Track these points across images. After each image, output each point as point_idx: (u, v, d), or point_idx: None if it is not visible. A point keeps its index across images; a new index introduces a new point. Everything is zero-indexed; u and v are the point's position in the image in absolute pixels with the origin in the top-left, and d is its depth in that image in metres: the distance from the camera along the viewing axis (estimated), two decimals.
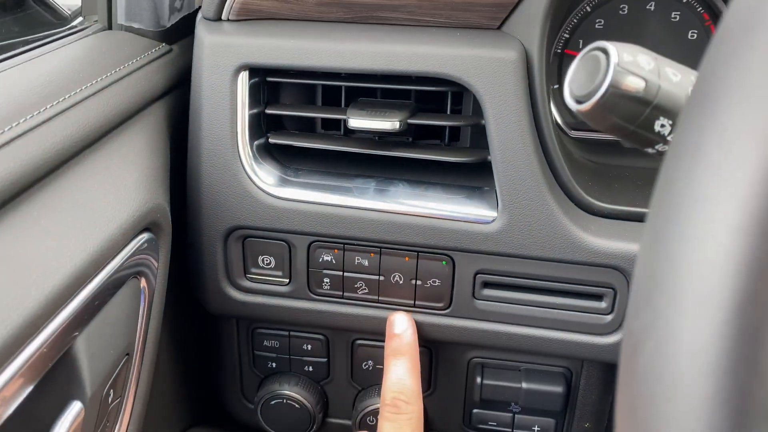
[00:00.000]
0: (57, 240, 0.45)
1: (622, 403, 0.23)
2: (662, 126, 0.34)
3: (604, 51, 0.34)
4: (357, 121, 0.59)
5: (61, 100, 0.52)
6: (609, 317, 0.59)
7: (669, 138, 0.35)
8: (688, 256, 0.20)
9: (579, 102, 0.35)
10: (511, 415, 0.69)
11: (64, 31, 0.69)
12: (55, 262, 0.44)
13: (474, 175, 0.63)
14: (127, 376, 0.52)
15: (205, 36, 0.61)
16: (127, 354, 0.51)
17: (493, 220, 0.58)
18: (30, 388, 0.41)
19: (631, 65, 0.33)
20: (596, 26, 0.72)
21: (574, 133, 0.74)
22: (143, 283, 0.54)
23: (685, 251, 0.20)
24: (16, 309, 0.40)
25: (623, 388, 0.23)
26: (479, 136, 0.65)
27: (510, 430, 0.69)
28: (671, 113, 0.34)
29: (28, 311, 0.41)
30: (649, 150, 0.37)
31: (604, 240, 0.57)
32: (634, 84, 0.33)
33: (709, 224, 0.20)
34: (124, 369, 0.51)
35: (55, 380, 0.43)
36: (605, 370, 0.66)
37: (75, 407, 0.44)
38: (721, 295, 0.19)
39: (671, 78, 0.34)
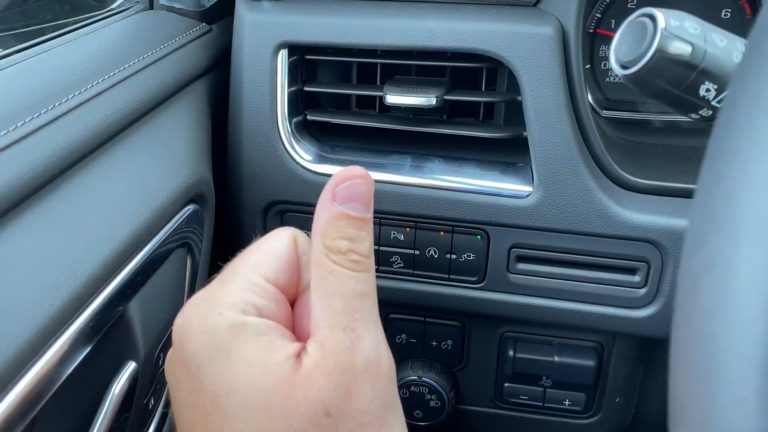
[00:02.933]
0: (112, 207, 0.47)
1: (678, 340, 0.24)
2: (707, 90, 0.35)
3: (651, 17, 0.35)
4: (394, 98, 0.60)
5: (109, 75, 0.54)
6: (642, 291, 0.60)
7: (714, 103, 0.36)
8: (747, 195, 0.21)
9: (625, 67, 0.36)
10: (542, 389, 0.70)
11: (105, 12, 0.71)
12: (111, 228, 0.46)
13: (508, 152, 0.64)
14: None
15: (245, 14, 0.62)
16: None
17: (528, 195, 0.59)
18: (90, 347, 0.42)
19: (678, 30, 0.34)
20: (629, 5, 0.72)
21: (605, 113, 0.74)
22: (189, 253, 0.56)
23: (745, 189, 0.21)
24: (76, 273, 0.42)
25: (680, 325, 0.24)
26: (512, 115, 0.66)
27: (541, 404, 0.70)
28: (717, 78, 0.35)
29: (87, 275, 0.42)
30: (692, 115, 0.37)
31: (638, 214, 0.58)
32: (680, 48, 0.34)
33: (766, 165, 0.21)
34: None
35: (111, 341, 0.45)
36: (637, 345, 0.67)
37: (130, 367, 0.46)
38: None
39: (717, 43, 0.34)
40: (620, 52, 0.36)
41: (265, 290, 0.32)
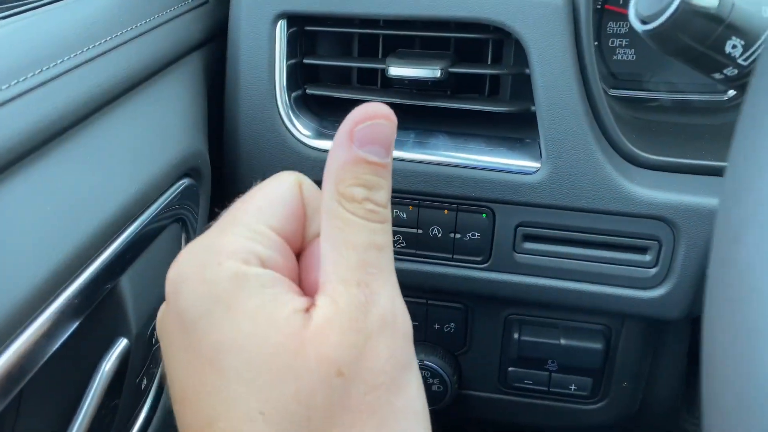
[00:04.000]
0: (102, 177, 0.45)
1: (715, 295, 0.22)
2: (734, 47, 0.33)
3: None
4: (397, 69, 0.58)
5: (101, 42, 0.51)
6: (653, 270, 0.58)
7: (740, 60, 0.33)
8: None
9: (645, 22, 0.34)
10: (547, 373, 0.68)
11: None
12: (101, 198, 0.44)
13: (515, 128, 0.62)
14: None
15: None
16: None
17: (536, 171, 0.57)
18: (78, 321, 0.40)
19: None
20: None
21: (613, 92, 0.72)
22: (183, 229, 0.54)
23: None
24: (64, 243, 0.40)
25: (718, 280, 0.22)
26: (519, 90, 0.63)
27: (546, 389, 0.68)
28: (745, 33, 0.33)
29: (76, 245, 0.40)
30: (716, 75, 0.35)
31: (650, 191, 0.56)
32: (707, 0, 0.32)
33: None
34: None
35: (102, 316, 0.43)
36: (646, 328, 0.65)
37: (122, 343, 0.44)
38: None
39: None
40: (641, 6, 0.34)
41: (269, 239, 0.28)
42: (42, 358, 0.39)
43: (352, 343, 0.26)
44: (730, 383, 0.22)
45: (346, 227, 0.27)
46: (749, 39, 0.33)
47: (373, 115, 0.28)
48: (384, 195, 0.29)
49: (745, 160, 0.21)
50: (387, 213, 0.29)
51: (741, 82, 0.34)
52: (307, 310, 0.27)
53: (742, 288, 0.21)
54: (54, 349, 0.39)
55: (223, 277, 0.26)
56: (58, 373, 0.40)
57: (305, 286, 0.30)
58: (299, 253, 0.31)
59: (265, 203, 0.29)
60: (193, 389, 0.26)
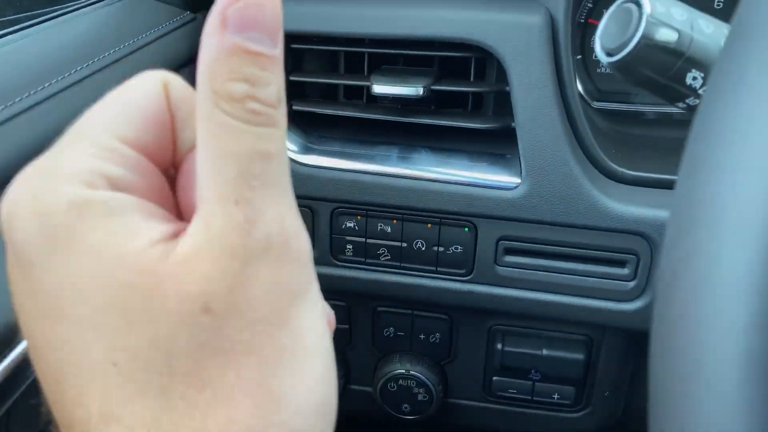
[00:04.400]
0: None
1: (659, 332, 0.23)
2: (694, 78, 0.34)
3: (637, 2, 0.34)
4: (381, 87, 0.59)
5: (89, 63, 0.53)
6: (631, 283, 0.59)
7: (700, 91, 0.35)
8: (728, 187, 0.21)
9: (610, 54, 0.35)
10: (531, 383, 0.69)
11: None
12: None
13: (497, 143, 0.63)
14: None
15: None
16: None
17: (516, 186, 0.58)
18: None
19: (664, 16, 0.33)
20: None
21: (596, 104, 0.73)
22: None
23: (724, 182, 0.21)
24: None
25: (661, 317, 0.23)
26: (502, 106, 0.65)
27: (530, 397, 0.70)
28: (703, 65, 0.34)
29: None
30: (679, 105, 0.37)
31: (627, 206, 0.57)
32: (666, 35, 0.33)
33: (748, 154, 0.21)
34: None
35: None
36: (626, 339, 0.66)
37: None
38: (762, 222, 0.20)
39: (704, 30, 0.34)
40: (606, 39, 0.35)
41: (121, 156, 0.23)
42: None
43: (224, 272, 0.21)
44: (674, 414, 0.23)
45: (222, 133, 0.22)
46: (708, 71, 0.34)
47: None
48: (273, 91, 0.22)
49: (682, 206, 0.22)
50: (278, 115, 0.23)
51: None
52: (173, 236, 0.22)
53: (681, 327, 0.22)
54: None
55: (59, 206, 0.21)
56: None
57: (184, 208, 0.25)
58: (168, 169, 0.25)
59: (117, 111, 0.23)
60: (41, 340, 0.22)
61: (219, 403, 0.21)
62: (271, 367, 0.22)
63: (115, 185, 0.22)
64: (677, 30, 0.33)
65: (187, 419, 0.21)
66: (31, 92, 0.47)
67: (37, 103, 0.46)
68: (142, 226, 0.22)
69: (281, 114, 0.23)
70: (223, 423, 0.21)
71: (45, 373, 0.22)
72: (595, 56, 0.73)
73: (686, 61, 0.34)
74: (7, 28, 0.57)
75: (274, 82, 0.22)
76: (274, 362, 0.22)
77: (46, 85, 0.47)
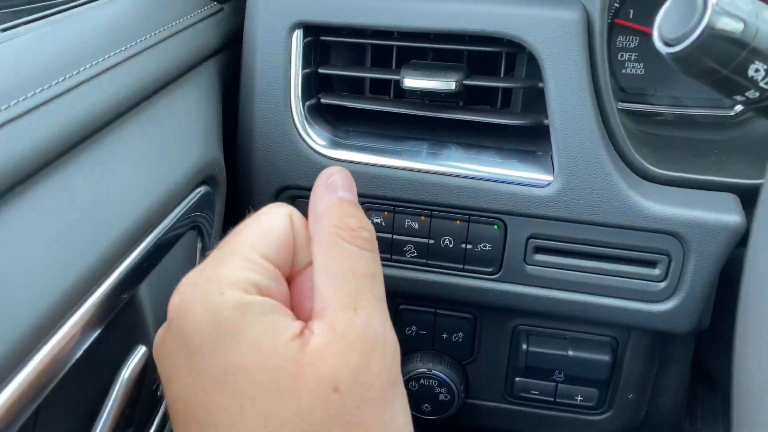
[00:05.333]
0: (123, 185, 0.45)
1: (749, 308, 0.22)
2: (756, 71, 0.34)
3: None
4: (412, 81, 0.58)
5: (119, 50, 0.52)
6: (662, 284, 0.59)
7: (762, 84, 0.34)
8: None
9: (669, 45, 0.35)
10: (554, 384, 0.68)
11: None
12: (122, 207, 0.44)
13: (526, 140, 0.62)
14: None
15: None
16: None
17: (548, 184, 0.58)
18: (100, 329, 0.41)
19: (730, 6, 0.33)
20: None
21: (621, 105, 0.73)
22: (199, 237, 0.54)
23: None
24: (88, 251, 0.40)
25: (751, 297, 0.22)
26: (530, 102, 0.64)
27: (552, 399, 0.69)
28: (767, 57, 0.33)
29: (99, 254, 0.41)
30: (738, 97, 0.36)
31: (660, 205, 0.56)
32: (732, 25, 0.33)
33: None
34: None
35: (122, 323, 0.43)
36: (652, 341, 0.66)
37: (140, 351, 0.45)
38: None
39: None
40: (665, 29, 0.35)
41: (265, 269, 0.31)
42: (65, 367, 0.39)
43: (348, 362, 0.28)
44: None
45: (343, 256, 0.30)
46: None
47: (336, 172, 0.35)
48: (371, 227, 0.32)
49: None
50: (376, 245, 0.32)
51: (762, 104, 0.35)
52: (301, 333, 0.29)
53: None
54: (77, 356, 0.40)
55: (226, 306, 0.29)
56: (80, 380, 0.41)
57: (297, 311, 0.32)
58: (289, 280, 0.33)
59: (260, 234, 0.32)
60: (200, 407, 0.28)
61: None
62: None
63: (262, 291, 0.30)
64: (743, 20, 0.33)
65: None
66: (66, 77, 0.46)
67: (72, 88, 0.45)
68: (283, 324, 0.29)
69: (376, 246, 0.33)
70: None
71: None
72: (621, 56, 0.73)
73: (750, 52, 0.33)
74: (33, 14, 0.56)
75: (369, 224, 0.32)
76: (385, 429, 0.29)
77: (81, 69, 0.46)
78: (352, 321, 0.29)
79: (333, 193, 0.33)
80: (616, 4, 0.72)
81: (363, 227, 0.32)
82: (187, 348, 0.29)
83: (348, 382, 0.28)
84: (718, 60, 0.34)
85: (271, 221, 0.32)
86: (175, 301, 0.31)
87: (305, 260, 0.33)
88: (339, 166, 0.59)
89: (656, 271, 0.58)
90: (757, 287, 0.23)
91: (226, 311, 0.28)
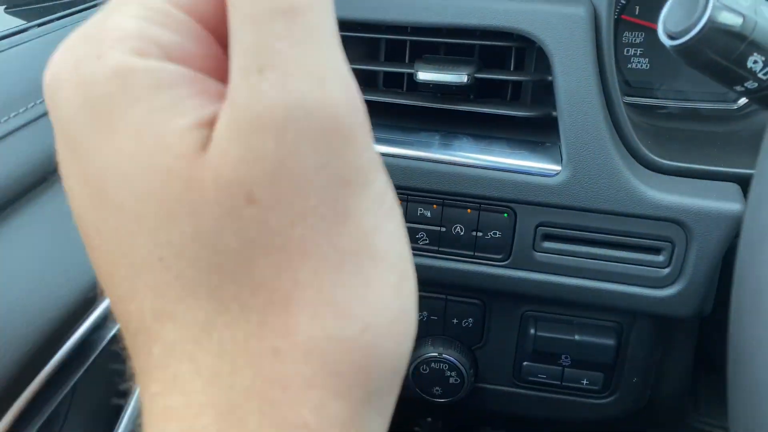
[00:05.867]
0: None
1: (742, 294, 0.24)
2: (755, 62, 0.36)
3: None
4: (426, 74, 0.60)
5: None
6: (666, 270, 0.61)
7: (760, 75, 0.36)
8: None
9: (673, 38, 0.37)
10: (560, 368, 0.71)
11: None
12: None
13: (535, 132, 0.64)
14: None
15: None
16: None
17: (556, 174, 0.60)
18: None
19: (730, 1, 0.35)
20: None
21: (627, 99, 0.75)
22: None
23: None
24: None
25: (744, 278, 0.24)
26: (539, 95, 0.66)
27: (559, 383, 0.71)
28: (765, 50, 0.35)
29: None
30: (737, 88, 0.38)
31: (664, 194, 0.59)
32: (732, 19, 0.35)
33: None
34: None
35: None
36: (655, 326, 0.68)
37: None
38: None
39: (767, 15, 0.35)
40: (670, 23, 0.37)
41: (175, 20, 0.20)
42: (98, 347, 0.41)
43: (258, 152, 0.18)
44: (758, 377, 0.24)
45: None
46: None
47: None
48: None
49: None
50: None
51: (760, 94, 0.37)
52: (212, 120, 0.19)
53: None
54: (109, 337, 0.42)
55: (102, 75, 0.19)
56: (111, 361, 0.43)
57: None
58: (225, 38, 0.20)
59: None
60: (92, 228, 0.20)
61: (275, 310, 0.18)
62: (332, 274, 0.19)
63: (168, 54, 0.19)
64: (742, 14, 0.35)
65: (243, 323, 0.18)
66: None
67: None
68: (189, 104, 0.19)
69: None
70: (280, 332, 0.18)
71: (99, 265, 0.20)
72: (627, 51, 0.75)
73: (749, 44, 0.35)
74: (46, 14, 0.58)
75: None
76: (334, 268, 0.19)
77: None
78: (256, 87, 0.18)
79: None
80: (622, 1, 0.74)
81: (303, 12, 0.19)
82: (67, 143, 0.20)
83: (265, 185, 0.18)
84: (719, 52, 0.36)
85: None
86: (47, 76, 0.20)
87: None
88: None
89: (660, 258, 0.61)
90: (747, 273, 0.25)
91: (102, 84, 0.19)
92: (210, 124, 0.18)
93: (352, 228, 0.19)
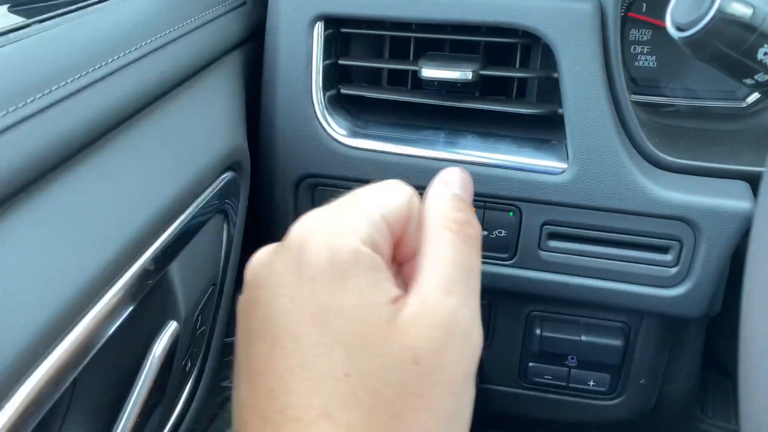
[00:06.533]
0: (155, 169, 0.47)
1: (754, 293, 0.24)
2: (765, 54, 0.35)
3: None
4: (430, 71, 0.60)
5: (152, 39, 0.54)
6: (674, 269, 0.60)
7: None
8: None
9: (682, 30, 0.36)
10: (566, 369, 0.70)
11: None
12: (155, 191, 0.46)
13: (541, 129, 0.64)
14: (212, 305, 0.54)
15: None
16: (213, 284, 0.53)
17: (563, 171, 0.59)
18: (134, 305, 0.43)
19: None
20: None
21: (634, 97, 0.74)
22: (225, 221, 0.56)
23: None
24: (124, 231, 0.42)
25: (756, 278, 0.24)
26: (545, 92, 0.66)
27: (565, 384, 0.70)
28: None
29: (134, 233, 0.43)
30: (747, 81, 0.38)
31: (672, 192, 0.58)
32: (741, 10, 0.34)
33: None
34: (210, 299, 0.53)
35: (154, 300, 0.45)
36: (663, 326, 0.67)
37: (172, 326, 0.47)
38: None
39: None
40: (678, 14, 0.36)
41: (383, 231, 0.32)
42: (101, 341, 0.41)
43: (432, 338, 0.29)
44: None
45: (446, 245, 0.32)
46: None
47: (456, 172, 0.37)
48: (479, 228, 0.34)
49: None
50: (479, 242, 0.34)
51: None
52: (396, 300, 0.30)
53: None
54: (111, 332, 0.42)
55: (345, 249, 0.30)
56: (115, 354, 0.43)
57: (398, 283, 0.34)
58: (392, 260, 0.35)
59: (386, 198, 0.33)
60: (290, 337, 0.29)
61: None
62: (445, 421, 0.29)
63: (375, 249, 0.31)
64: (752, 5, 0.34)
65: None
66: (96, 67, 0.48)
67: (105, 76, 0.47)
68: (387, 285, 0.30)
69: (480, 244, 0.34)
70: None
71: (285, 359, 0.29)
72: (634, 49, 0.75)
73: (760, 35, 0.34)
74: (63, 6, 0.58)
75: (477, 223, 0.34)
76: (439, 419, 0.29)
77: (110, 60, 0.48)
78: (443, 302, 0.30)
79: (448, 189, 0.35)
80: None
81: (470, 224, 0.33)
82: (300, 276, 0.30)
83: (427, 357, 0.29)
84: (729, 44, 0.35)
85: (396, 193, 0.34)
86: (298, 229, 0.31)
87: (411, 247, 0.34)
88: (358, 154, 0.62)
89: (668, 257, 0.60)
90: (759, 269, 0.25)
91: (344, 253, 0.29)
92: (394, 303, 0.30)
93: (457, 399, 0.30)
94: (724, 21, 0.35)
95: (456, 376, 0.30)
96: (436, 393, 0.29)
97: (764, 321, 0.23)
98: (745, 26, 0.34)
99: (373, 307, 0.29)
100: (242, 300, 0.33)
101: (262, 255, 0.33)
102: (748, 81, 0.37)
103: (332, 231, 0.30)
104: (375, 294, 0.29)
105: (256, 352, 0.30)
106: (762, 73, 0.36)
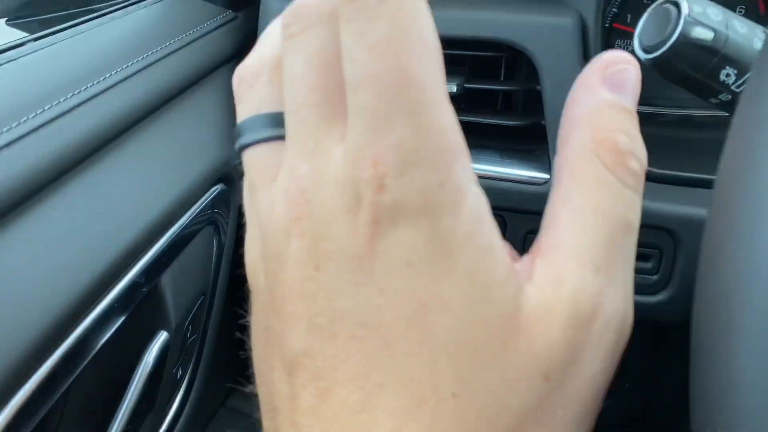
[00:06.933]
0: (145, 184, 0.49)
1: (702, 297, 0.25)
2: (727, 75, 0.37)
3: (675, 3, 0.37)
4: None
5: (138, 59, 0.55)
6: (654, 277, 0.61)
7: (733, 87, 0.37)
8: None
9: (648, 52, 0.38)
10: None
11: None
12: (146, 203, 0.48)
13: (526, 141, 0.65)
14: (202, 315, 0.55)
15: (271, 2, 0.64)
16: (203, 294, 0.55)
17: (545, 182, 0.61)
18: (125, 315, 0.44)
19: (701, 16, 0.36)
20: (644, 1, 0.74)
21: None
22: (216, 232, 0.58)
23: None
24: (113, 245, 0.44)
25: (705, 282, 0.25)
26: (530, 105, 0.67)
27: None
28: (737, 63, 0.36)
29: (124, 246, 0.44)
30: (712, 100, 0.39)
31: (652, 202, 0.59)
32: (703, 33, 0.35)
33: None
34: (201, 308, 0.55)
35: (145, 310, 0.47)
36: (647, 332, 0.68)
37: (162, 336, 0.48)
38: None
39: (738, 30, 0.36)
40: (644, 37, 0.38)
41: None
42: (93, 350, 0.42)
43: (569, 344, 0.20)
44: (715, 375, 0.25)
45: (598, 187, 0.21)
46: (741, 68, 0.37)
47: (622, 60, 0.22)
48: (644, 154, 0.22)
49: (732, 173, 0.25)
50: (642, 183, 0.22)
51: (735, 106, 0.38)
52: (514, 277, 0.20)
53: (725, 288, 0.24)
54: (103, 341, 0.43)
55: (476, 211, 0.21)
56: (107, 363, 0.44)
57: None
58: None
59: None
60: (382, 336, 0.19)
61: None
62: None
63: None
64: (713, 29, 0.36)
65: None
66: (88, 85, 0.49)
67: (93, 97, 0.48)
68: (499, 252, 0.20)
69: (643, 184, 0.22)
70: None
71: (381, 371, 0.20)
72: None
73: (721, 58, 0.36)
74: (55, 23, 0.59)
75: (643, 152, 0.22)
76: None
77: (101, 79, 0.50)
78: (588, 284, 0.20)
79: (602, 91, 0.22)
80: (614, 9, 0.75)
81: (633, 153, 0.21)
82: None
83: (560, 371, 0.20)
84: (692, 66, 0.36)
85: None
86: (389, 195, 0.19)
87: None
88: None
89: (648, 265, 0.61)
90: (708, 270, 0.26)
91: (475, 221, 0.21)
92: (514, 273, 0.20)
93: (589, 423, 0.22)
94: (687, 44, 0.36)
95: (596, 390, 0.21)
96: (568, 416, 0.20)
97: (712, 328, 0.25)
98: (707, 49, 0.36)
99: (486, 297, 0.19)
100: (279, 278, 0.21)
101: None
102: (713, 101, 0.39)
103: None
104: (489, 273, 0.19)
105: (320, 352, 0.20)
106: (725, 94, 0.38)
